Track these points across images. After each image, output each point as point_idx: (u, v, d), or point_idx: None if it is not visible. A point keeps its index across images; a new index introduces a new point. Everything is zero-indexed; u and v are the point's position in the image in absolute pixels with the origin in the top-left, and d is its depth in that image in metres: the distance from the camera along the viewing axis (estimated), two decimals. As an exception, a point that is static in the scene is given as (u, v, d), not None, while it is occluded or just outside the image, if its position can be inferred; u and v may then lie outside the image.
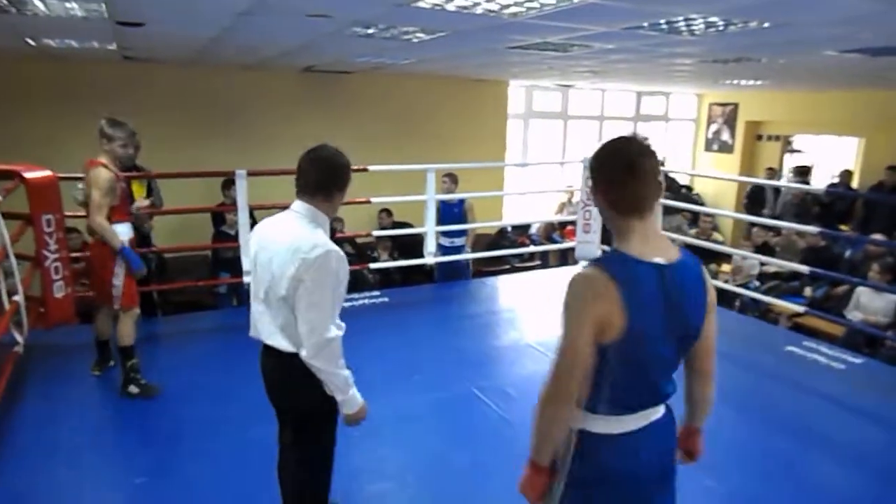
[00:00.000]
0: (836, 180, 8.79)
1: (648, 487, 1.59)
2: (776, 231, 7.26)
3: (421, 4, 3.12)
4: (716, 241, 7.11)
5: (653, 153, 1.45)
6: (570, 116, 9.84)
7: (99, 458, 3.05)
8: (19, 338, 3.83)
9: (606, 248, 6.67)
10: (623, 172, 1.43)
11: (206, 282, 6.07)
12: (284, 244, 2.01)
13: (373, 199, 5.87)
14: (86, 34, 4.32)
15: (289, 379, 2.12)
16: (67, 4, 3.31)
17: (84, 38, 4.58)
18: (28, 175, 3.89)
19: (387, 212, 7.51)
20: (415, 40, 4.38)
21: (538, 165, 9.79)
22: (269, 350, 2.14)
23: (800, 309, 5.43)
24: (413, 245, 6.60)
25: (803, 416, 3.68)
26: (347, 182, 2.10)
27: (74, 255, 4.62)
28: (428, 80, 8.05)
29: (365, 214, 7.35)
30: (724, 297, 6.63)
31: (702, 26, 3.61)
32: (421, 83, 8.03)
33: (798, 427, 3.52)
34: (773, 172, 9.52)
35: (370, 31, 3.98)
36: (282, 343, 2.07)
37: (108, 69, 6.50)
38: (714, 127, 10.63)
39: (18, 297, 3.76)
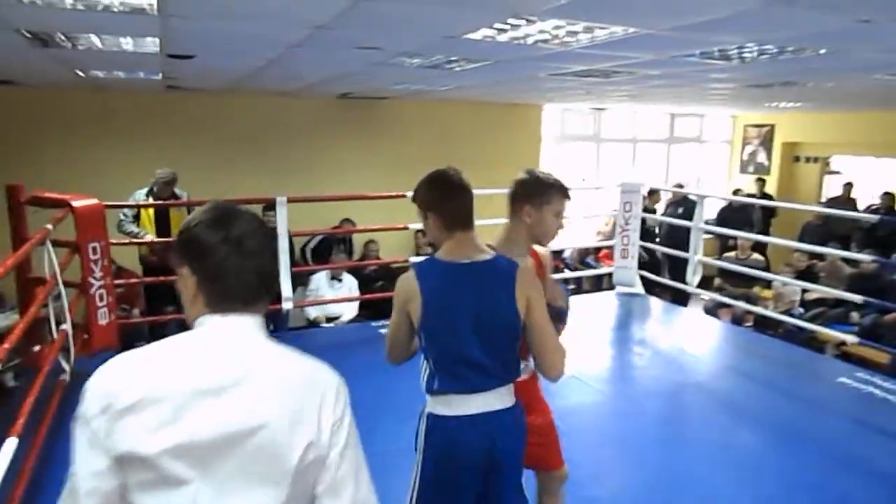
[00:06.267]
0: (878, 203, 8.57)
1: (470, 474, 1.80)
2: (814, 257, 7.07)
3: (472, 36, 3.12)
4: (755, 264, 6.91)
5: (466, 181, 1.85)
6: (603, 139, 9.77)
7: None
8: (66, 366, 3.85)
9: (644, 273, 6.55)
10: (450, 193, 1.82)
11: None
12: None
13: (410, 226, 5.85)
14: (136, 66, 4.40)
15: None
16: (121, 39, 3.36)
17: (133, 70, 4.67)
18: (76, 204, 3.95)
19: (422, 233, 7.48)
20: (457, 69, 4.37)
21: (573, 190, 9.64)
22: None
23: (850, 338, 5.24)
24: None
25: (862, 451, 3.51)
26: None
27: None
28: (462, 105, 8.04)
29: (403, 239, 7.33)
30: (768, 324, 6.46)
31: (754, 53, 3.54)
32: (455, 108, 8.02)
33: (855, 463, 3.36)
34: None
35: (415, 60, 3.99)
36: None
37: (148, 98, 6.61)
38: (750, 148, 10.46)
39: (66, 326, 3.79)
